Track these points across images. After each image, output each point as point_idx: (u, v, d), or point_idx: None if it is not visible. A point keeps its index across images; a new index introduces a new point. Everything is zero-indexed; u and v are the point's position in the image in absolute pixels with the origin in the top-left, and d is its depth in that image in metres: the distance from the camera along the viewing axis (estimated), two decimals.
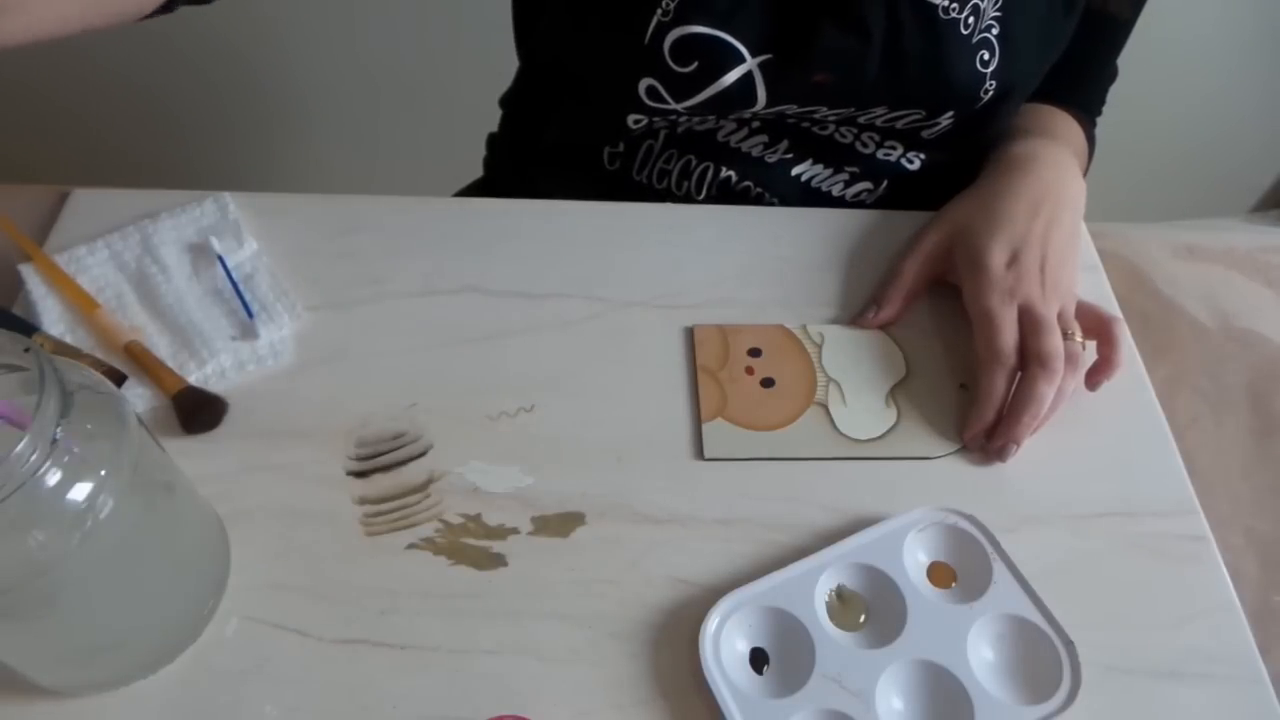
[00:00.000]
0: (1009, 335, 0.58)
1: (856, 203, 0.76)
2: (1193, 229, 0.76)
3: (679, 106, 0.66)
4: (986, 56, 0.64)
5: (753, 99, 0.65)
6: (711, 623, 0.49)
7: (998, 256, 0.60)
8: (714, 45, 0.63)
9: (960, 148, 0.72)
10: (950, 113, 0.67)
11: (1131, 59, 0.77)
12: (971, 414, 0.58)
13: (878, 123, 0.69)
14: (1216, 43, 1.45)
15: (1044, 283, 0.60)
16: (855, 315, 0.64)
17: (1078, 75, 0.74)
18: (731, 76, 0.63)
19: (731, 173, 0.73)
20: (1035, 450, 0.58)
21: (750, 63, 0.63)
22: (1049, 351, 0.56)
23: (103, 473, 0.41)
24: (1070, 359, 0.57)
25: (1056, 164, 0.65)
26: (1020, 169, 0.64)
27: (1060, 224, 0.62)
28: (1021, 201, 0.62)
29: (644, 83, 0.65)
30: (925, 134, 0.70)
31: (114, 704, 0.48)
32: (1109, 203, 1.62)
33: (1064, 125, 0.72)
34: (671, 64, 0.63)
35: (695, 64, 0.63)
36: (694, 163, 0.74)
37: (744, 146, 0.73)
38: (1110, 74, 0.77)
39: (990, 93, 0.66)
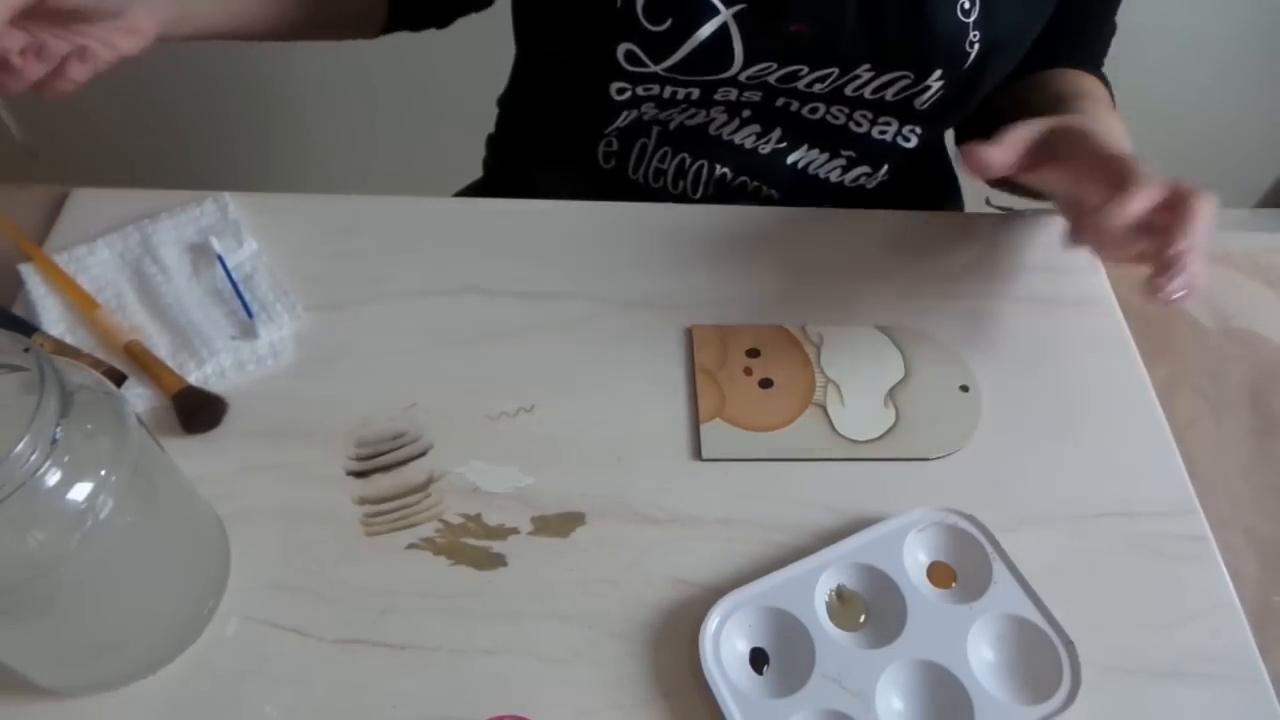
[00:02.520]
0: (1150, 183, 0.51)
1: (856, 188, 0.75)
2: None
3: (658, 69, 0.65)
4: (966, 5, 0.63)
5: (730, 55, 0.64)
6: (711, 623, 0.49)
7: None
8: None
9: (954, 119, 0.71)
10: (938, 72, 0.66)
11: (1132, 58, 0.77)
12: (1116, 202, 0.50)
13: (866, 93, 0.68)
14: (1217, 41, 1.45)
15: None
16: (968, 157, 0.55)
17: (1079, 32, 0.72)
18: (707, 30, 0.63)
19: (726, 169, 0.73)
20: (1035, 450, 0.58)
21: (725, 13, 0.63)
22: (1194, 191, 0.49)
23: (103, 473, 0.41)
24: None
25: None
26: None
27: None
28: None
29: (622, 48, 0.65)
30: (917, 103, 0.68)
31: (114, 704, 0.48)
32: None
33: (1104, 97, 0.71)
34: (645, 24, 0.63)
35: (669, 21, 0.63)
36: (688, 161, 0.73)
37: (737, 138, 0.72)
38: (1110, 28, 0.76)
39: (976, 46, 0.65)
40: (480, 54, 0.87)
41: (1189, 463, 0.58)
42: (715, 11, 0.62)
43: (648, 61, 0.65)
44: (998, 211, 0.73)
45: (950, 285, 0.66)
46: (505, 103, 0.86)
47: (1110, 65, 0.77)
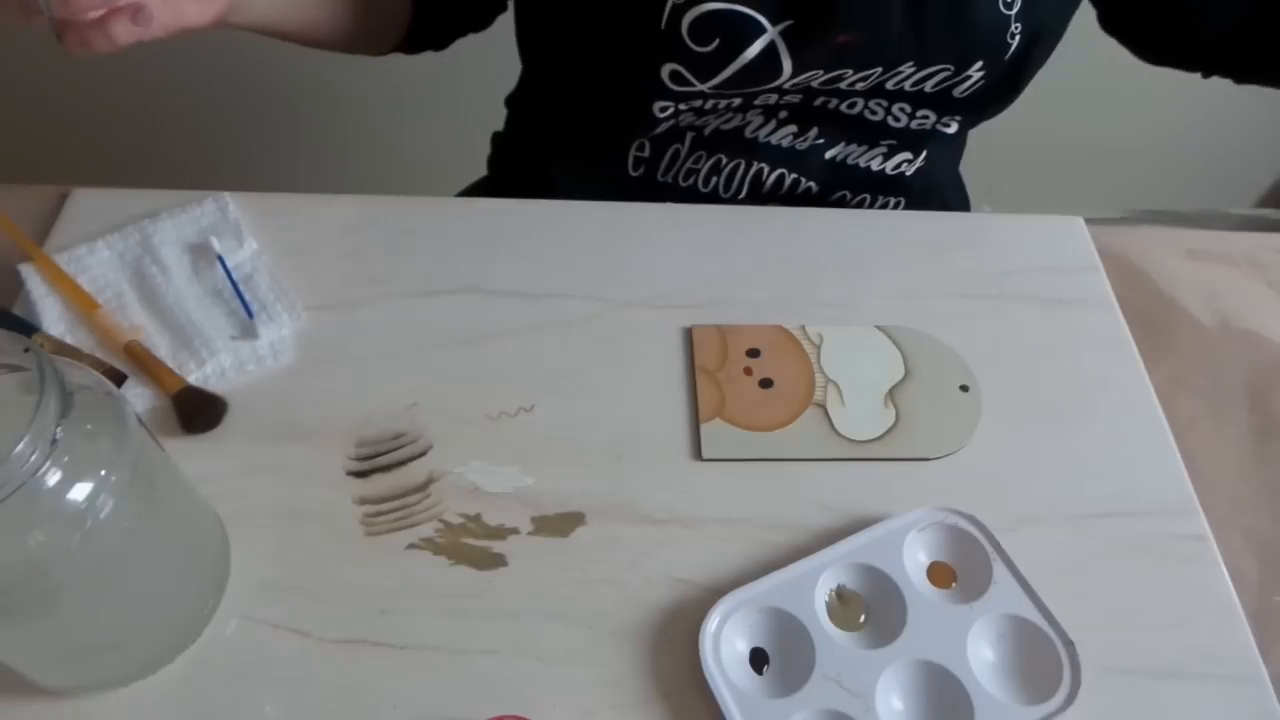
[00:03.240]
0: None
1: (897, 175, 0.75)
2: (1193, 229, 0.76)
3: (704, 87, 0.64)
4: None
5: (778, 69, 0.64)
6: (711, 623, 0.49)
7: None
8: (732, 20, 0.61)
9: (995, 110, 0.70)
10: (979, 63, 0.65)
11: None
12: None
13: (906, 87, 0.67)
14: None
15: None
16: None
17: None
18: (754, 49, 0.62)
19: (763, 165, 0.73)
20: (1035, 450, 0.58)
21: (771, 32, 0.62)
22: None
23: (103, 473, 0.41)
24: None
25: None
26: None
27: None
28: None
29: (666, 68, 0.64)
30: (957, 93, 0.67)
31: (114, 704, 0.48)
32: (1110, 202, 1.62)
33: None
34: (692, 45, 0.62)
35: (716, 42, 0.62)
36: (724, 161, 0.73)
37: (773, 139, 0.72)
38: None
39: (1017, 38, 0.64)
40: (484, 52, 0.87)
41: (1189, 463, 0.58)
42: (762, 30, 0.62)
43: (693, 81, 0.64)
44: (998, 212, 0.73)
45: (950, 285, 0.66)
46: (515, 103, 0.85)
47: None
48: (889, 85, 0.67)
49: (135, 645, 0.48)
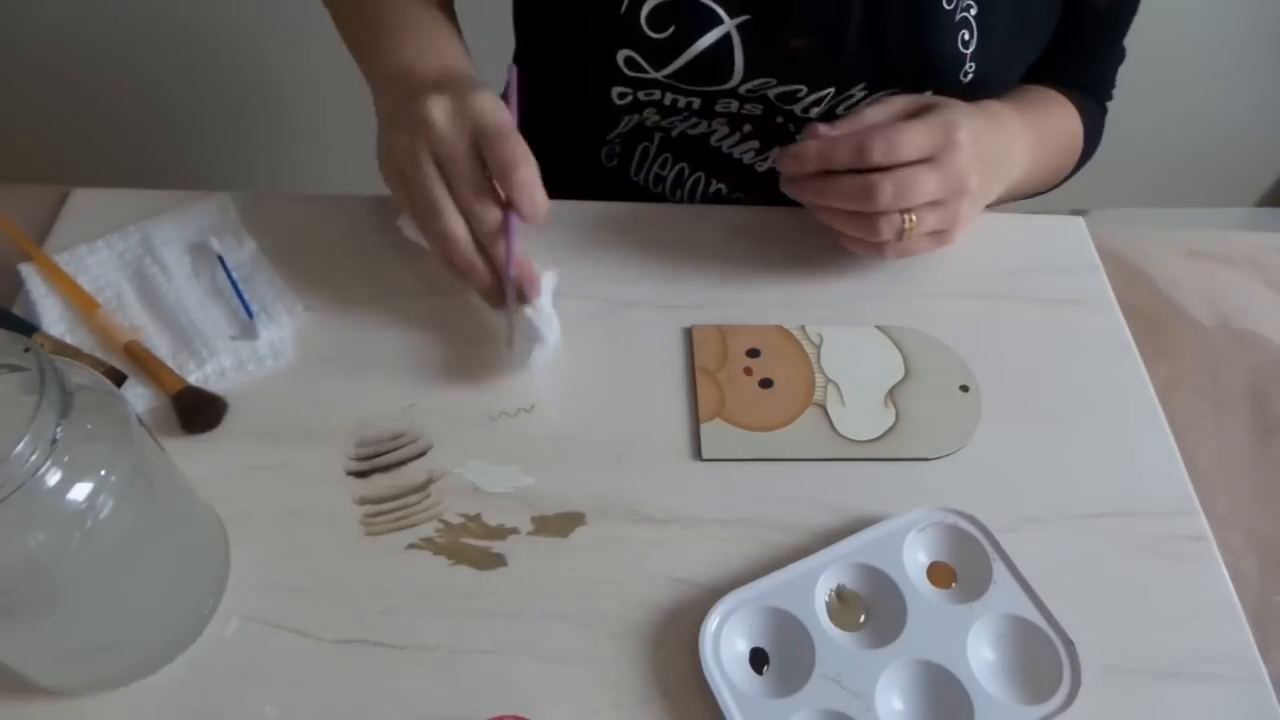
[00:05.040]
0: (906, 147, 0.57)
1: None
2: (1193, 229, 0.76)
3: (658, 75, 0.65)
4: (966, 36, 0.64)
5: (730, 67, 0.65)
6: (711, 623, 0.49)
7: (962, 131, 0.58)
8: (691, 8, 0.62)
9: None
10: (929, 93, 0.66)
11: (1133, 58, 0.77)
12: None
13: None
14: (1218, 42, 1.45)
15: (962, 173, 0.58)
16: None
17: (1080, 58, 0.72)
18: (709, 39, 0.63)
19: (722, 185, 0.73)
20: (1035, 450, 0.58)
21: (728, 24, 0.63)
22: (901, 187, 0.56)
23: (103, 473, 0.41)
24: (893, 229, 0.58)
25: (1010, 131, 0.64)
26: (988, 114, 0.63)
27: (989, 178, 0.61)
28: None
29: (621, 54, 0.65)
30: None
31: (114, 704, 0.48)
32: (1110, 201, 1.63)
33: (1053, 104, 0.72)
34: (647, 31, 0.63)
35: (672, 28, 0.63)
36: (687, 171, 0.74)
37: (735, 152, 0.72)
38: (1117, 55, 0.76)
39: (970, 76, 0.65)
40: (483, 53, 0.87)
41: (1189, 463, 0.58)
42: (719, 21, 0.62)
43: (647, 68, 0.65)
44: (997, 211, 0.73)
45: (950, 285, 0.66)
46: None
47: None
48: (840, 110, 0.68)
49: (135, 645, 0.48)
